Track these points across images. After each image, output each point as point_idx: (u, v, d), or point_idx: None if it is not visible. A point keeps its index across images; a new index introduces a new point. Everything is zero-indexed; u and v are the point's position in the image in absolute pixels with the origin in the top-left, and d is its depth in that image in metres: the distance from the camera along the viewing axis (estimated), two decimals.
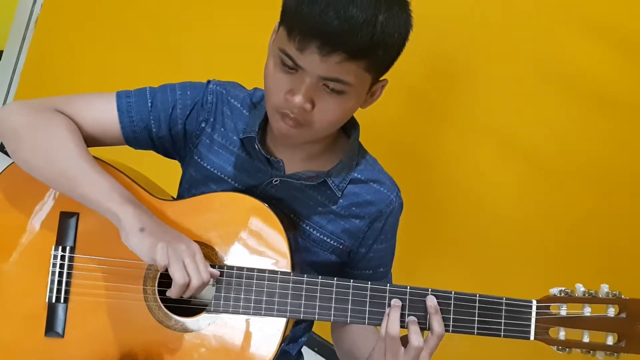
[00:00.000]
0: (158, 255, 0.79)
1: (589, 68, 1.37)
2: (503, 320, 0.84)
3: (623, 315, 0.82)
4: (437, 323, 0.83)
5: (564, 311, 0.83)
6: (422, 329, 0.85)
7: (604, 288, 0.83)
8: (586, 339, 0.83)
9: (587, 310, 0.83)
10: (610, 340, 0.83)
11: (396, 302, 0.85)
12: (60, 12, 2.09)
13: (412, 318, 0.85)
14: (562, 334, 0.84)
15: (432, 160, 1.58)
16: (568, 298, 0.83)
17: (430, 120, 1.57)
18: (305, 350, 1.13)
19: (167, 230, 0.85)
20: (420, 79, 1.55)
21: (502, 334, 0.84)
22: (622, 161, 1.38)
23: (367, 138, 1.01)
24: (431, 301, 0.84)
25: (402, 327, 0.85)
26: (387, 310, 0.85)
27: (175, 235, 0.85)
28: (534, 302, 0.84)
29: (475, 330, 0.84)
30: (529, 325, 0.84)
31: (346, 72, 0.79)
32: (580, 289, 0.84)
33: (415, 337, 0.83)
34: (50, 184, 0.88)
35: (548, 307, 0.84)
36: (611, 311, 0.83)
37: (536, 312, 0.84)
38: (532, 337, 0.84)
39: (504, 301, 0.84)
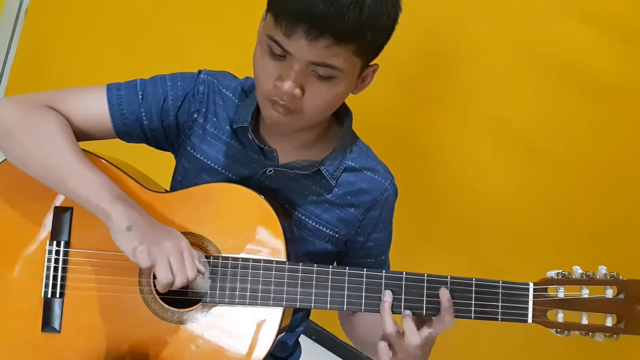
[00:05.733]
0: (139, 257, 0.79)
1: (585, 56, 1.37)
2: (500, 304, 0.84)
3: (621, 296, 0.82)
4: (449, 316, 0.83)
5: (561, 293, 0.83)
6: (419, 314, 0.85)
7: (602, 269, 0.82)
8: (585, 321, 0.82)
9: (585, 292, 0.82)
10: (609, 321, 0.82)
11: (388, 297, 0.84)
12: (50, 3, 2.07)
13: (407, 312, 0.83)
14: (560, 316, 0.83)
15: (428, 148, 1.57)
16: (565, 280, 0.83)
17: (425, 107, 1.57)
18: (303, 339, 1.13)
19: (156, 227, 0.84)
20: (415, 66, 1.54)
21: (499, 317, 0.84)
22: (617, 147, 1.39)
23: (361, 126, 1.00)
24: (444, 295, 0.83)
25: (398, 312, 0.85)
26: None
27: (164, 232, 0.84)
28: (531, 284, 0.84)
29: (473, 315, 0.84)
30: (527, 308, 0.83)
31: (335, 57, 0.78)
32: (577, 270, 0.83)
33: (412, 335, 0.82)
34: (41, 181, 0.88)
35: (545, 290, 0.83)
36: (609, 292, 0.82)
37: (533, 295, 0.83)
38: (530, 320, 0.84)
39: (500, 284, 0.84)
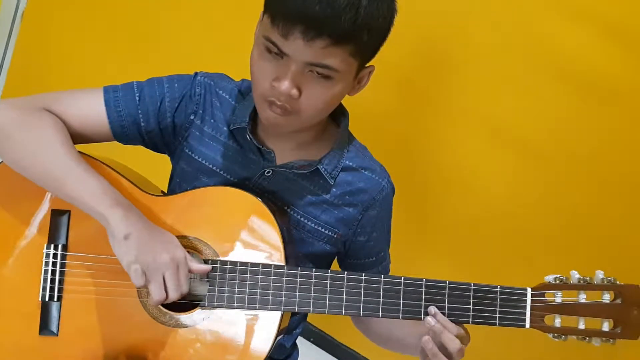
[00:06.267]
0: (132, 275, 0.81)
1: (581, 56, 1.37)
2: (498, 309, 0.84)
3: (618, 301, 0.82)
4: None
5: (559, 298, 0.83)
6: (416, 319, 0.85)
7: (599, 274, 0.83)
8: (582, 326, 0.83)
9: (583, 297, 0.83)
10: (606, 326, 0.83)
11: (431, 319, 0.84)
12: (47, 6, 2.06)
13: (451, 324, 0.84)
14: (557, 321, 0.83)
15: (424, 149, 1.57)
16: (563, 285, 0.83)
17: (422, 108, 1.57)
18: (301, 340, 1.13)
19: (154, 234, 0.84)
20: (411, 69, 1.54)
21: (497, 322, 0.84)
22: (614, 149, 1.38)
23: (358, 128, 1.00)
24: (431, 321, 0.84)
25: (396, 317, 0.85)
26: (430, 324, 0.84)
27: (162, 242, 0.84)
28: (529, 289, 0.84)
29: (471, 320, 0.84)
30: (524, 313, 0.84)
31: (332, 57, 0.79)
32: (575, 275, 0.83)
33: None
34: (39, 184, 0.87)
35: (543, 295, 0.84)
36: (606, 297, 0.83)
37: (531, 300, 0.84)
38: (527, 325, 0.84)
39: (498, 289, 0.84)
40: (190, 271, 0.84)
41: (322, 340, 1.75)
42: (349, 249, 1.00)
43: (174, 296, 0.82)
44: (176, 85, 0.95)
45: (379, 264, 1.03)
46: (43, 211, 0.91)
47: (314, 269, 0.86)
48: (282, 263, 0.87)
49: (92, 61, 1.97)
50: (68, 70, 2.02)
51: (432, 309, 0.84)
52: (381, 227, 1.00)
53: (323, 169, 0.93)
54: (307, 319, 1.11)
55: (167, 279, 0.81)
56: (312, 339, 1.75)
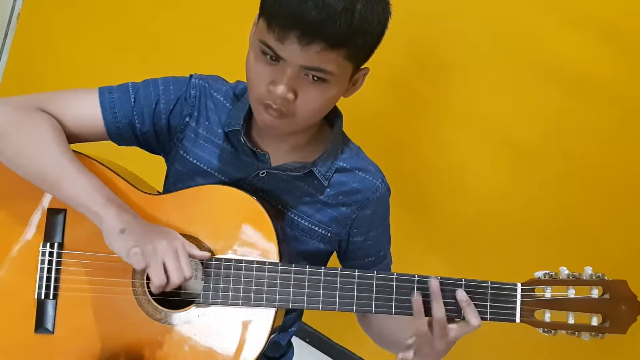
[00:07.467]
0: (132, 259, 0.80)
1: (575, 57, 1.37)
2: (489, 304, 0.85)
3: (607, 296, 0.83)
4: (472, 314, 0.84)
5: (548, 293, 0.84)
6: (408, 314, 0.86)
7: (588, 270, 0.84)
8: (571, 321, 0.84)
9: (572, 292, 0.84)
10: (594, 321, 0.84)
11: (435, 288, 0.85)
12: (43, 7, 2.06)
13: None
14: (547, 316, 0.84)
15: (418, 149, 1.58)
16: (552, 280, 0.84)
17: (415, 109, 1.57)
18: (297, 341, 1.13)
19: (150, 228, 0.85)
20: (406, 70, 1.55)
21: (488, 317, 0.85)
22: (607, 149, 1.39)
23: (353, 129, 1.01)
24: (461, 295, 0.84)
25: (389, 312, 0.86)
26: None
27: (159, 232, 0.84)
28: (519, 285, 0.85)
29: (462, 314, 0.85)
30: (515, 308, 0.85)
31: (327, 61, 0.79)
32: (564, 271, 0.85)
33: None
34: (34, 183, 0.88)
35: (533, 290, 0.85)
36: (595, 292, 0.84)
37: (521, 295, 0.85)
38: (517, 320, 0.85)
39: (489, 285, 0.85)
40: (190, 256, 0.84)
41: (317, 341, 1.74)
42: (347, 249, 1.01)
43: (175, 279, 0.80)
44: (171, 87, 0.96)
45: (379, 263, 1.03)
46: (39, 210, 0.92)
47: (307, 266, 0.87)
48: (276, 260, 0.88)
49: (87, 62, 1.97)
50: (64, 72, 2.02)
51: (461, 292, 0.84)
52: (378, 226, 1.01)
53: (317, 171, 0.94)
54: (303, 319, 1.12)
55: (167, 263, 0.80)
56: (307, 340, 1.74)
